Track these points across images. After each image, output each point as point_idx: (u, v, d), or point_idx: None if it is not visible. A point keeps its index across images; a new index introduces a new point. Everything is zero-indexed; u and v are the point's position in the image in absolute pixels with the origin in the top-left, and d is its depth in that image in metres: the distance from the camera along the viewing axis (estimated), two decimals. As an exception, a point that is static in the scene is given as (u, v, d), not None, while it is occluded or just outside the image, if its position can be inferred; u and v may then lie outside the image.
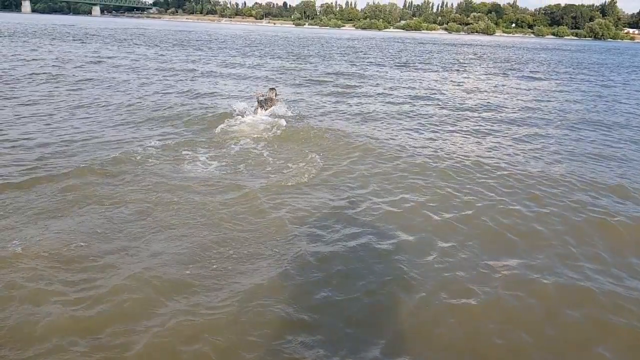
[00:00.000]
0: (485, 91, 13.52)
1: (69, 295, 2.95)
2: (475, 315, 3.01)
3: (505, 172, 5.61)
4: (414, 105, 10.36)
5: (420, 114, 9.35)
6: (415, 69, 20.29)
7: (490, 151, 6.71)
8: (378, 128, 7.95)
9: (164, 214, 4.13)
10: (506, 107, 10.62)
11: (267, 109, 8.23)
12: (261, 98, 8.30)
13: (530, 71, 21.47)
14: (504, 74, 19.55)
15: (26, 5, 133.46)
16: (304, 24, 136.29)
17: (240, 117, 7.93)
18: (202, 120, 7.66)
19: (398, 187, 5.04)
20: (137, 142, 6.28)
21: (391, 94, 11.85)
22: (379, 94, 11.90)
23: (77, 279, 3.13)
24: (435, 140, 7.29)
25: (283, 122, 7.55)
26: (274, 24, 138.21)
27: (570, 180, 5.44)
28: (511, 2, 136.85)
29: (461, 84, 15.14)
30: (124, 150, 5.82)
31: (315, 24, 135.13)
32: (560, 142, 7.50)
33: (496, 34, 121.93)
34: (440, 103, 10.84)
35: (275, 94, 8.76)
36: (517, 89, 14.50)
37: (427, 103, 10.79)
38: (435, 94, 12.42)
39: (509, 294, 3.23)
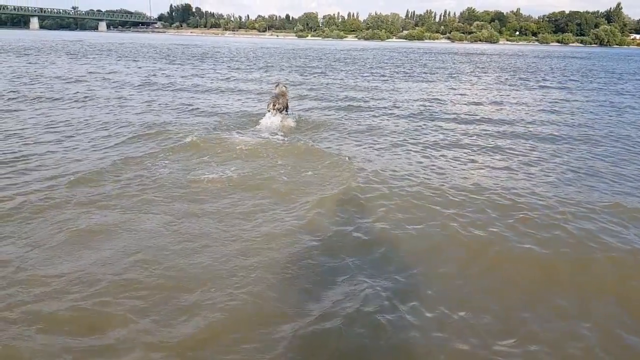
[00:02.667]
0: (494, 103, 12.89)
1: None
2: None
3: (525, 197, 4.95)
4: (423, 120, 9.76)
5: (430, 130, 8.72)
6: (421, 80, 19.78)
7: (506, 171, 6.08)
8: (387, 146, 7.37)
9: (189, 227, 4.03)
10: (517, 121, 9.95)
11: (280, 111, 8.37)
12: (272, 107, 8.32)
13: (536, 80, 20.86)
14: (512, 84, 18.92)
15: (34, 22, 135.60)
16: (307, 36, 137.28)
17: (246, 130, 7.90)
18: (209, 133, 7.43)
19: (416, 213, 4.52)
20: (150, 155, 6.21)
21: (399, 108, 11.28)
22: (385, 107, 11.33)
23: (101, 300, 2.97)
24: (447, 159, 6.66)
25: (293, 137, 7.53)
26: (277, 36, 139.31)
27: (596, 204, 4.81)
28: (515, 10, 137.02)
29: (469, 95, 14.56)
30: (138, 161, 5.83)
31: (318, 36, 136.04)
32: (579, 159, 6.85)
33: (500, 42, 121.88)
34: (449, 117, 10.19)
35: (283, 92, 8.64)
36: (526, 100, 13.85)
37: (436, 117, 10.18)
38: (443, 107, 11.81)
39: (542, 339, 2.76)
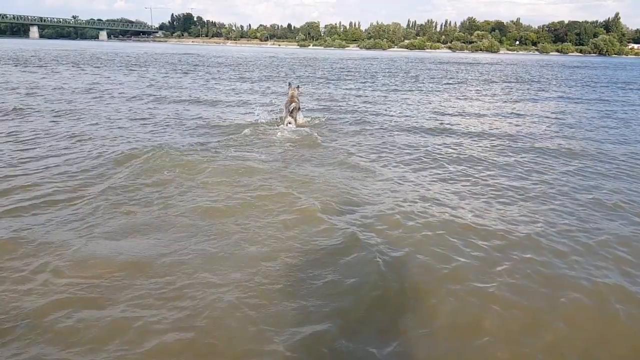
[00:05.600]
0: (504, 115, 12.23)
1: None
2: None
3: (545, 224, 4.39)
4: (436, 135, 9.20)
5: (445, 146, 8.14)
6: (428, 90, 19.22)
7: (528, 191, 5.48)
8: (404, 163, 6.88)
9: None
10: (528, 135, 9.35)
11: (294, 117, 8.70)
12: (291, 107, 8.66)
13: (542, 90, 20.37)
14: (518, 95, 18.34)
15: (34, 31, 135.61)
16: (309, 45, 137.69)
17: (261, 141, 7.80)
18: (223, 147, 6.78)
19: (438, 237, 4.10)
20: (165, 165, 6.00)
21: (409, 121, 10.67)
22: (396, 120, 10.76)
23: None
24: (464, 176, 6.17)
25: (307, 150, 7.32)
26: (279, 45, 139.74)
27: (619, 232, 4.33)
28: (515, 19, 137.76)
29: (477, 107, 13.94)
30: (157, 170, 5.79)
31: (320, 45, 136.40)
32: (596, 178, 6.29)
33: (500, 52, 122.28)
34: (460, 131, 9.61)
35: (294, 94, 8.93)
36: (535, 111, 13.30)
37: (447, 131, 9.62)
38: (453, 120, 11.21)
39: None
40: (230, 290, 3.15)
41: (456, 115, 12.26)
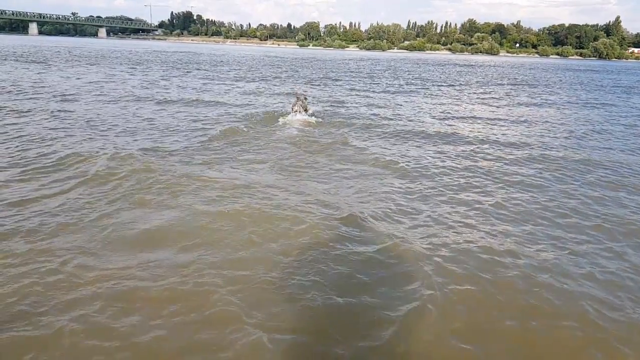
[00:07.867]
0: (513, 122, 12.13)
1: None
2: None
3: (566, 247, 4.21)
4: (444, 142, 8.99)
5: (454, 155, 7.91)
6: (432, 94, 19.04)
7: (549, 201, 5.32)
8: (423, 170, 6.62)
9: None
10: (539, 144, 9.18)
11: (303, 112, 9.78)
12: (295, 108, 9.81)
13: (548, 95, 20.30)
14: (524, 99, 18.19)
15: (33, 28, 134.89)
16: (308, 45, 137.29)
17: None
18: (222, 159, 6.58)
19: (474, 260, 3.79)
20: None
21: (418, 125, 10.52)
22: (405, 120, 10.68)
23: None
24: (478, 189, 5.87)
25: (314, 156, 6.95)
26: (278, 45, 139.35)
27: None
28: (515, 22, 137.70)
29: (486, 112, 13.85)
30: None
31: (320, 45, 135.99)
32: (611, 189, 6.14)
33: (500, 54, 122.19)
34: (468, 138, 9.38)
35: (303, 100, 10.03)
36: (543, 118, 13.14)
37: (454, 137, 9.42)
38: (459, 125, 11.04)
39: None
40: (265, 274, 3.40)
41: (464, 118, 12.10)
